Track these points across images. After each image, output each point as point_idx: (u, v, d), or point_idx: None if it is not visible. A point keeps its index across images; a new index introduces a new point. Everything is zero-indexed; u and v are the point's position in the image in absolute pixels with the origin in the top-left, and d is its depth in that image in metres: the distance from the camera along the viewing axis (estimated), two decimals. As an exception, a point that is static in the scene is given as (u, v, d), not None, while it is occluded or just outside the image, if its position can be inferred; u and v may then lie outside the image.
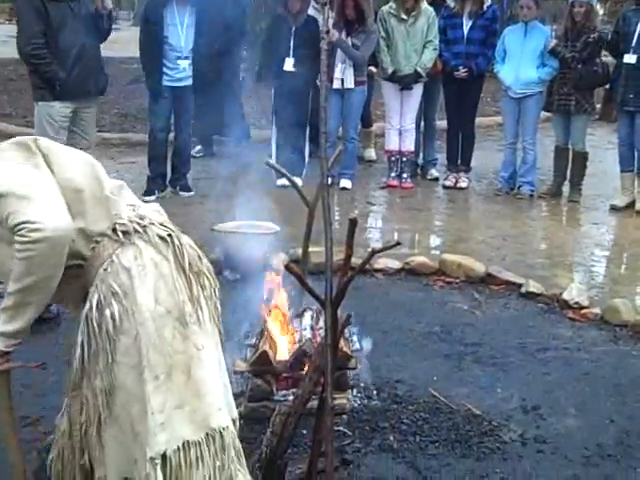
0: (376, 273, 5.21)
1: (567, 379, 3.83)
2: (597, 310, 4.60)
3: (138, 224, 2.05)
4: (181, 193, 7.11)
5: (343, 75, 7.22)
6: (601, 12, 16.88)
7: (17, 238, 1.90)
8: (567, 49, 6.96)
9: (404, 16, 7.31)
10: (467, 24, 7.36)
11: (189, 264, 2.06)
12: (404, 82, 7.41)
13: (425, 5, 7.39)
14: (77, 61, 5.84)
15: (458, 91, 7.51)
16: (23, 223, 1.89)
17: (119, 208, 2.09)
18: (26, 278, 1.91)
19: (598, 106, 8.82)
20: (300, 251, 3.99)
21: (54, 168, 2.08)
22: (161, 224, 2.12)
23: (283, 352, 3.50)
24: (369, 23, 7.26)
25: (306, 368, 2.90)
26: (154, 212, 2.20)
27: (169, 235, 2.07)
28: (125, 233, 2.03)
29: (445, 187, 7.75)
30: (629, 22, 6.77)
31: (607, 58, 7.39)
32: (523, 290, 4.93)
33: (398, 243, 2.76)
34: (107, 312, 1.97)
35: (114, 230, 2.03)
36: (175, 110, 6.92)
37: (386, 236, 6.30)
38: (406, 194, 7.51)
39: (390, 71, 7.40)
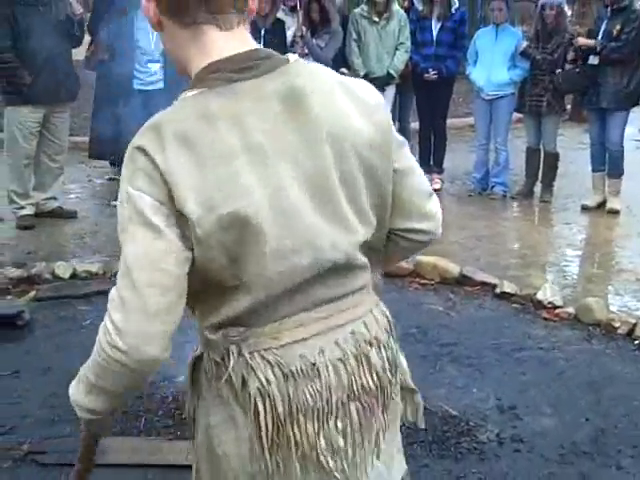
0: (351, 275, 5.20)
1: (542, 378, 3.85)
2: (570, 309, 4.63)
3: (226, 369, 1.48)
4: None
5: None
6: (569, 13, 17.04)
7: (100, 333, 1.43)
8: (538, 50, 7.03)
9: (376, 18, 7.32)
10: (436, 27, 7.39)
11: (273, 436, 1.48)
12: (376, 84, 7.38)
13: (397, 7, 7.42)
14: (46, 65, 5.78)
15: (429, 93, 7.53)
16: (111, 323, 1.39)
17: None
18: (96, 379, 1.47)
19: (568, 107, 8.91)
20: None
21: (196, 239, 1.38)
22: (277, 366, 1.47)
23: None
24: (334, 26, 7.26)
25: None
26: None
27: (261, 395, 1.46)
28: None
29: (419, 189, 7.75)
30: (599, 24, 6.90)
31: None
32: (497, 291, 4.94)
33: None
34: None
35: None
36: (147, 114, 6.86)
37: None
38: (380, 196, 7.50)
39: (362, 73, 7.40)
